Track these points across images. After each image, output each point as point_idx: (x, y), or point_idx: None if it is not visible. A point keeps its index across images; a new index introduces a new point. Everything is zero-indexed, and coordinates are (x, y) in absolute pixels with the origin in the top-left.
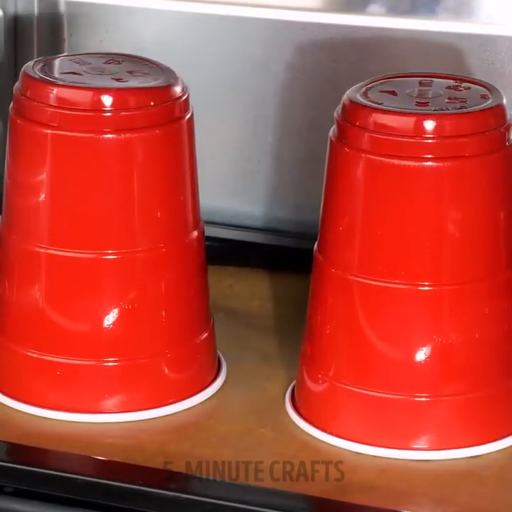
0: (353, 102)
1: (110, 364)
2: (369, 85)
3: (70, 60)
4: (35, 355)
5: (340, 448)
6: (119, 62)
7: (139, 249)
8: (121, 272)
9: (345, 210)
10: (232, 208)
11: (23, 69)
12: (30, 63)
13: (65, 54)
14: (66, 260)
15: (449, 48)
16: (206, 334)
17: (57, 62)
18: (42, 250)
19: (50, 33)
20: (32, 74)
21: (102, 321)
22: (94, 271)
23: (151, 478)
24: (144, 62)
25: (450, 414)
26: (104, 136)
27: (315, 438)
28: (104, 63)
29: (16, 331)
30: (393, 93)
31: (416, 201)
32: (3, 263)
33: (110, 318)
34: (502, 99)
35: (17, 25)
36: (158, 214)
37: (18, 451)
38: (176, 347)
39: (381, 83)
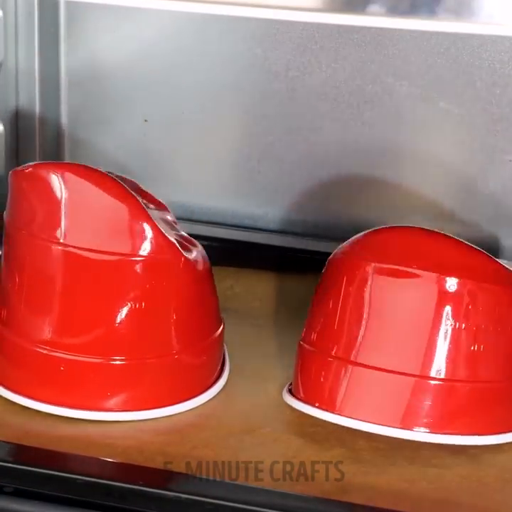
0: None
1: (117, 363)
2: None
3: None
4: (44, 351)
5: (340, 448)
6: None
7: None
8: (136, 273)
9: None
10: (232, 208)
11: None
12: None
13: None
14: (80, 259)
15: (449, 48)
16: (216, 335)
17: None
18: (54, 247)
19: (50, 32)
20: None
21: (112, 320)
22: (107, 271)
23: (151, 478)
24: None
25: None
26: None
27: (315, 438)
28: None
29: (24, 326)
30: None
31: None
32: (12, 258)
33: (121, 317)
34: None
35: (17, 24)
36: None
37: (18, 451)
38: (184, 348)
39: None
